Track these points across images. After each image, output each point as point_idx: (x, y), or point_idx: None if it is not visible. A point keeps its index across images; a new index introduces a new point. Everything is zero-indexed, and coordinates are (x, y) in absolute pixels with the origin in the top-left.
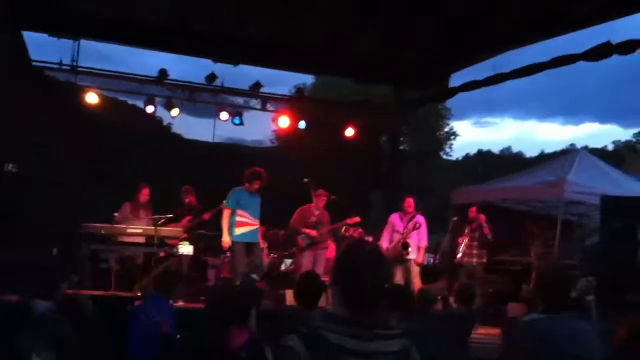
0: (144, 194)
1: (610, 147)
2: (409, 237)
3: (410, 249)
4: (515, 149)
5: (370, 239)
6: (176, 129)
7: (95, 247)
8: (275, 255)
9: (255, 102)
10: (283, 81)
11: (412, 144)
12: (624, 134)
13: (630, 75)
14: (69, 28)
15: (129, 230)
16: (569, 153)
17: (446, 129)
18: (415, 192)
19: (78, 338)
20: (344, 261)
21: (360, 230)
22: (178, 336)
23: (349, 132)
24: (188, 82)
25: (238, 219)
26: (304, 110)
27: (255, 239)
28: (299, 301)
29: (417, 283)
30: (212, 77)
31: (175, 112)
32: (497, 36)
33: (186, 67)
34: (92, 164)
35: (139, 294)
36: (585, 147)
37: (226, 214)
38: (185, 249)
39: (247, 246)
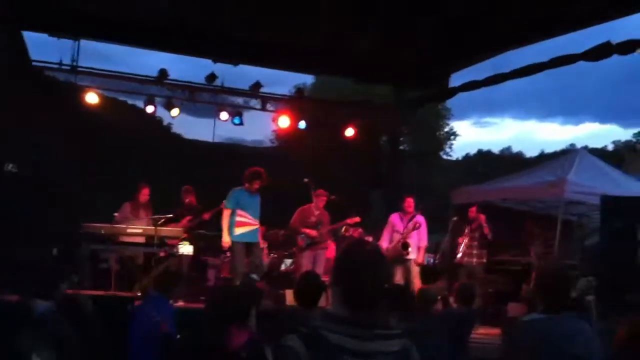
0: (144, 194)
1: (610, 147)
2: (409, 237)
3: (410, 249)
4: (515, 149)
5: (370, 239)
6: (176, 129)
7: (95, 247)
8: (275, 255)
9: (255, 102)
10: (283, 81)
11: (412, 144)
12: (624, 134)
13: (631, 75)
14: (69, 28)
15: (129, 230)
16: (569, 153)
17: (446, 129)
18: (415, 192)
19: (78, 338)
20: (344, 261)
21: (360, 230)
22: (178, 336)
23: (349, 132)
24: (188, 82)
25: (238, 219)
26: (304, 110)
27: (255, 239)
28: (299, 301)
29: (417, 283)
30: (212, 77)
31: (175, 112)
32: (497, 36)
33: (186, 67)
34: (92, 164)
35: (139, 294)
36: (585, 147)
37: (226, 214)
38: (185, 249)
39: (247, 246)
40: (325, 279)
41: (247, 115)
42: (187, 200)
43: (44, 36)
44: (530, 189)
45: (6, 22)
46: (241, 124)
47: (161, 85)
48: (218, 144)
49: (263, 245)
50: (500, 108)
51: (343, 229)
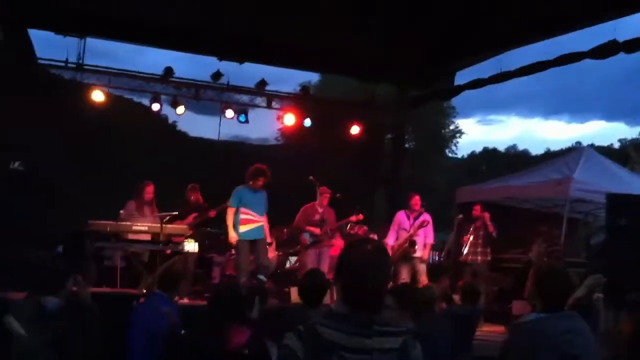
0: (149, 192)
1: (617, 145)
2: (416, 234)
3: (416, 247)
4: (520, 147)
5: (375, 236)
6: (181, 126)
7: (100, 244)
8: (280, 253)
9: (260, 100)
10: (288, 79)
11: (417, 142)
12: (631, 132)
13: (637, 73)
14: (75, 26)
15: (134, 228)
16: (574, 151)
17: (451, 127)
18: (420, 191)
19: (82, 335)
20: (344, 259)
21: (365, 227)
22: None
23: (354, 130)
24: (193, 80)
25: (242, 216)
26: (309, 108)
27: (260, 235)
28: (304, 299)
29: (424, 281)
30: (217, 75)
31: (181, 109)
32: (497, 35)
33: (191, 66)
34: (97, 161)
35: (144, 292)
36: (591, 145)
37: (230, 212)
38: (191, 246)
39: (252, 243)
40: (330, 276)
41: (252, 113)
42: (192, 198)
43: (50, 34)
44: (535, 187)
45: (12, 20)
46: (246, 121)
47: (167, 83)
48: (223, 142)
49: (271, 240)
50: (505, 106)
51: (348, 226)
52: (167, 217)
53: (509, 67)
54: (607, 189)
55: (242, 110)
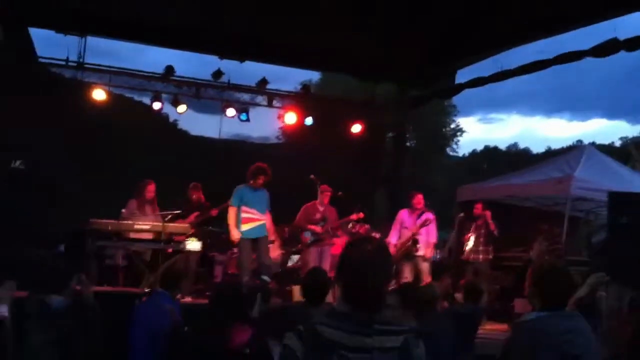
0: (150, 191)
1: (618, 144)
2: (418, 233)
3: (419, 245)
4: (521, 145)
5: (377, 235)
6: (182, 125)
7: (102, 243)
8: (283, 252)
9: (261, 99)
10: (289, 78)
11: (418, 141)
12: (632, 130)
13: (639, 71)
14: (76, 25)
15: (136, 227)
16: (575, 149)
17: (452, 126)
18: (421, 189)
19: (86, 333)
20: (345, 258)
21: (367, 226)
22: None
23: (355, 128)
24: (194, 78)
25: (244, 215)
26: (310, 106)
27: (262, 233)
28: (306, 297)
29: (427, 280)
30: (218, 73)
31: (182, 108)
32: (497, 35)
33: (192, 65)
34: (98, 160)
35: (147, 290)
36: (593, 144)
37: (231, 211)
38: (193, 245)
39: (254, 241)
40: (332, 275)
41: (253, 111)
42: (194, 197)
43: (50, 33)
44: (536, 185)
45: (13, 19)
46: (247, 120)
47: (167, 82)
48: (224, 141)
49: (274, 238)
50: (506, 104)
51: (350, 225)
52: (169, 216)
53: (509, 66)
54: (608, 187)
55: (243, 108)
